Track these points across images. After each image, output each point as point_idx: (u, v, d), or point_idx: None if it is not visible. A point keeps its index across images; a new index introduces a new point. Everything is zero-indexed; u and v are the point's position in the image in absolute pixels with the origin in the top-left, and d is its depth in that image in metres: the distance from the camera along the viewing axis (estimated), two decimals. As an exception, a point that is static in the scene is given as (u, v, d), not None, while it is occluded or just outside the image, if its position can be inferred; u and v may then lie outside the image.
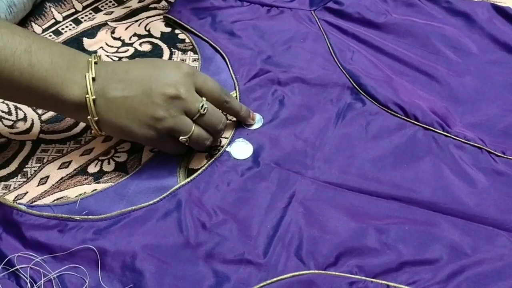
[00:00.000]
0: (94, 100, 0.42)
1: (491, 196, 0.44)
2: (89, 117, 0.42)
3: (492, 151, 0.47)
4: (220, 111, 0.46)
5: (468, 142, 0.48)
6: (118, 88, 0.42)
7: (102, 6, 0.62)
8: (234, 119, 0.49)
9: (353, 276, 0.39)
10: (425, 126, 0.49)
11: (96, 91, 0.42)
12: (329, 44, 0.56)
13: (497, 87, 0.53)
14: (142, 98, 0.42)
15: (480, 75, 0.54)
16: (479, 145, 0.47)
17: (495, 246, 0.41)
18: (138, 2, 0.63)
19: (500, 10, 0.59)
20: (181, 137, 0.43)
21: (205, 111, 0.43)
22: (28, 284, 0.38)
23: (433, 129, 0.49)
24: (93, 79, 0.42)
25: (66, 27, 0.60)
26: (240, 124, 0.49)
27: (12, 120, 0.51)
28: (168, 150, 0.46)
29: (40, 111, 0.52)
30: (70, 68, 0.42)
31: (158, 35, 0.59)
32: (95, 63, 0.43)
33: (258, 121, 0.49)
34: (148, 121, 0.42)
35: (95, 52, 0.57)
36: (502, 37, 0.57)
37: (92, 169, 0.47)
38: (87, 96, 0.41)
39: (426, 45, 0.56)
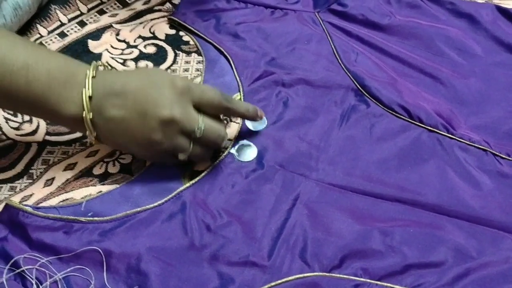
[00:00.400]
0: (91, 118, 0.41)
1: (496, 198, 0.44)
2: (87, 132, 0.42)
3: (497, 153, 0.47)
4: (219, 124, 0.45)
5: (473, 144, 0.48)
6: (114, 105, 0.41)
7: (107, 8, 0.63)
8: (239, 120, 0.50)
9: (357, 278, 0.39)
10: (429, 128, 0.49)
11: (93, 109, 0.41)
12: (333, 46, 0.56)
13: (502, 89, 0.53)
14: (137, 121, 0.41)
15: (484, 77, 0.54)
16: (484, 147, 0.47)
17: (501, 249, 0.41)
18: (143, 4, 0.63)
19: (504, 12, 0.59)
20: (179, 155, 0.43)
21: (202, 132, 0.43)
22: (34, 285, 0.38)
23: (438, 131, 0.49)
24: (90, 97, 0.41)
25: (71, 29, 0.60)
26: (245, 126, 0.49)
27: (18, 122, 0.51)
28: (169, 164, 0.46)
29: (45, 113, 0.52)
30: (67, 84, 0.41)
31: (163, 37, 0.59)
32: (93, 77, 0.42)
33: (262, 123, 0.49)
34: (145, 143, 0.42)
35: (100, 54, 0.57)
36: (507, 38, 0.57)
37: (98, 171, 0.47)
38: (84, 115, 0.41)
39: (430, 47, 0.56)
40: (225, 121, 0.50)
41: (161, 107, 0.41)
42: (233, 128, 0.49)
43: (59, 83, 0.41)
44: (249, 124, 0.49)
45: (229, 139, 0.48)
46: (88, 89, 0.41)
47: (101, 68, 0.44)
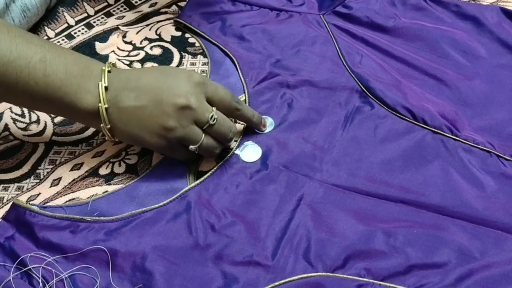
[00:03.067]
0: (106, 109, 0.42)
1: (499, 200, 0.44)
2: (102, 124, 0.43)
3: (501, 154, 0.47)
4: (230, 120, 0.46)
5: (477, 146, 0.48)
6: (130, 97, 0.43)
7: (114, 11, 0.63)
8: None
9: (361, 278, 0.39)
10: (433, 129, 0.49)
11: (109, 100, 0.42)
12: (337, 48, 0.57)
13: (506, 91, 0.53)
14: (153, 108, 0.42)
15: (489, 79, 0.54)
16: (488, 149, 0.47)
17: (504, 250, 0.41)
18: (149, 7, 0.64)
19: (509, 14, 0.59)
20: (190, 146, 0.44)
21: (215, 121, 0.44)
22: (40, 284, 0.39)
23: (442, 132, 0.49)
24: (106, 88, 0.42)
25: (79, 31, 0.61)
26: (249, 127, 0.49)
27: (26, 123, 0.52)
28: (178, 158, 0.46)
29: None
30: (84, 77, 0.43)
31: (169, 39, 0.60)
32: (109, 71, 0.43)
33: (269, 125, 0.50)
34: (158, 131, 0.43)
35: (107, 56, 0.58)
36: (511, 40, 0.57)
37: (104, 171, 0.48)
38: (99, 105, 0.42)
39: (435, 49, 0.56)
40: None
41: (177, 94, 0.42)
42: (238, 129, 0.50)
43: (75, 76, 0.42)
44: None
45: (235, 140, 0.49)
46: (104, 81, 0.42)
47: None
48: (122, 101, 0.42)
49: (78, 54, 0.45)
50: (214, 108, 0.44)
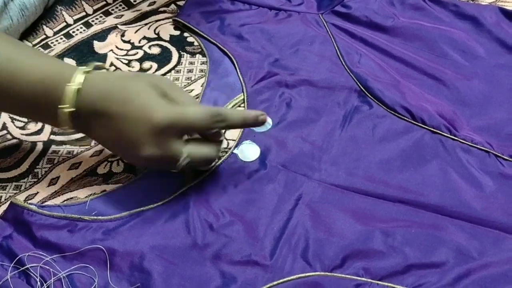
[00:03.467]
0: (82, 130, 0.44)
1: (498, 199, 0.44)
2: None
3: (500, 154, 0.47)
4: (209, 147, 0.43)
5: (476, 146, 0.48)
6: (98, 128, 0.42)
7: (112, 10, 0.63)
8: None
9: (359, 278, 0.39)
10: (432, 129, 0.49)
11: (79, 127, 0.43)
12: (336, 47, 0.57)
13: (505, 90, 0.53)
14: (122, 150, 0.43)
15: (488, 78, 0.54)
16: (486, 149, 0.47)
17: (502, 250, 0.41)
18: (148, 6, 0.63)
19: (507, 14, 0.59)
20: (171, 171, 0.44)
21: (185, 164, 0.42)
22: (38, 283, 0.39)
23: (440, 132, 0.49)
24: (76, 115, 0.41)
25: (77, 30, 0.61)
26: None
27: (24, 122, 0.52)
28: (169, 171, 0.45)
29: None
30: (48, 104, 0.41)
31: (167, 38, 0.60)
32: (79, 89, 0.40)
33: (267, 124, 0.49)
34: (136, 163, 0.46)
35: (105, 55, 0.58)
36: (510, 40, 0.57)
37: (102, 170, 0.48)
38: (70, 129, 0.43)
39: (433, 49, 0.56)
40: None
41: (139, 147, 0.40)
42: (236, 129, 0.49)
43: (41, 98, 0.41)
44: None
45: (233, 140, 0.49)
46: (71, 104, 0.41)
47: (89, 68, 0.43)
48: (92, 131, 0.43)
49: (56, 65, 0.42)
50: (185, 149, 0.41)
